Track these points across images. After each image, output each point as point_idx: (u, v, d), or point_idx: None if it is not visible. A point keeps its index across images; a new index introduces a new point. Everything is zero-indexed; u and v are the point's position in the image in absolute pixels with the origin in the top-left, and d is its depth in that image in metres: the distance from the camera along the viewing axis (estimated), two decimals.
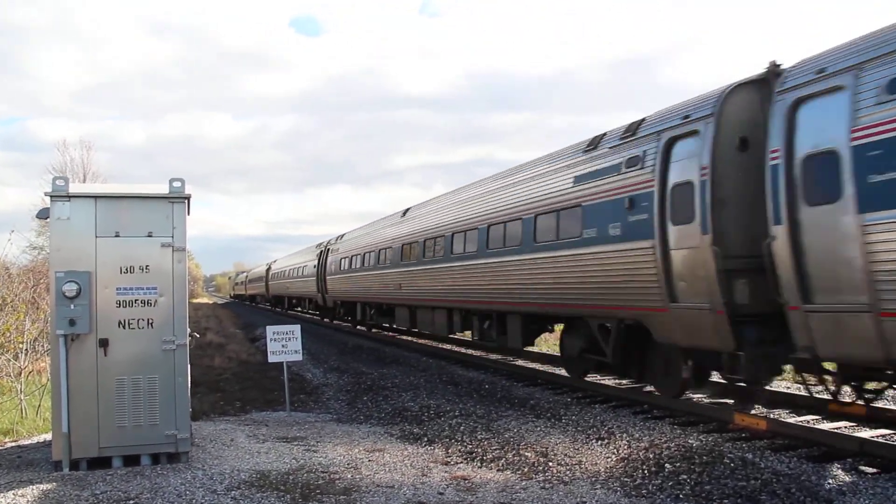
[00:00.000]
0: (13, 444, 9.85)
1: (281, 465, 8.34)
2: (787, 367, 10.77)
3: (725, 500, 6.70)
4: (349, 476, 7.91)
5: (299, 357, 13.32)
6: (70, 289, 7.99)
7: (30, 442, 9.89)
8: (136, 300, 8.32)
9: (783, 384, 12.82)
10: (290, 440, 9.95)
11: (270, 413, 12.60)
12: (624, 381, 13.37)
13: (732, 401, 11.28)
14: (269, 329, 13.29)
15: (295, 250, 58.02)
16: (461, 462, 8.75)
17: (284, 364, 13.10)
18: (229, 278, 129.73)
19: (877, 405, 9.99)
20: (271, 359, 13.06)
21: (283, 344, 12.88)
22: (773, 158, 8.66)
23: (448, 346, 22.71)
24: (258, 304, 75.16)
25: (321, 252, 38.06)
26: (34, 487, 7.31)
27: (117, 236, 8.32)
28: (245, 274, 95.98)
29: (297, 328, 13.22)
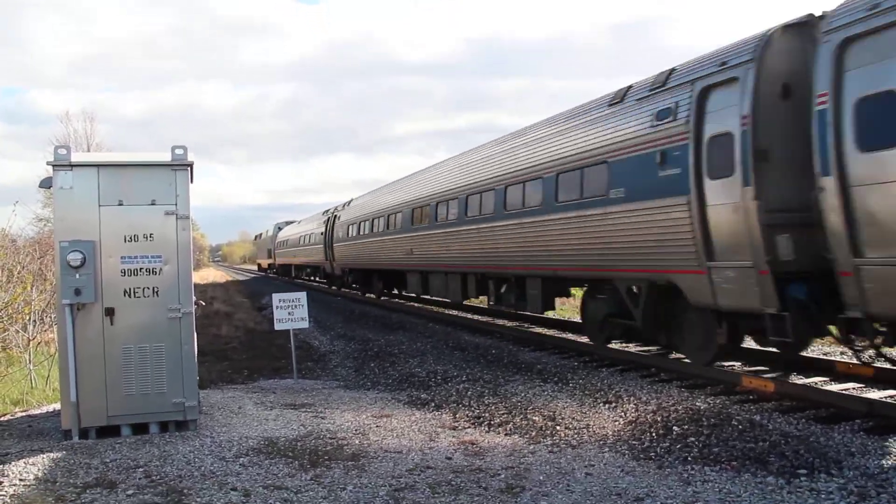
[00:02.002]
0: (23, 413, 9.90)
1: (289, 432, 8.36)
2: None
3: (734, 462, 6.69)
4: (357, 442, 7.93)
5: (306, 324, 13.33)
6: (75, 258, 7.97)
7: (39, 412, 9.93)
8: (140, 269, 8.30)
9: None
10: (297, 407, 9.97)
11: (278, 381, 12.63)
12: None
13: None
14: (276, 297, 13.29)
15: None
16: (469, 427, 8.76)
17: (291, 331, 13.10)
18: (256, 238, 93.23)
19: (884, 366, 9.97)
20: (278, 326, 13.08)
21: (290, 311, 12.88)
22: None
23: (454, 312, 22.72)
24: (314, 279, 49.26)
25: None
26: (44, 456, 7.34)
27: (121, 205, 8.28)
28: (296, 230, 53.24)
29: (303, 295, 13.20)
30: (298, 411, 9.68)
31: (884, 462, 6.55)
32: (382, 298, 30.43)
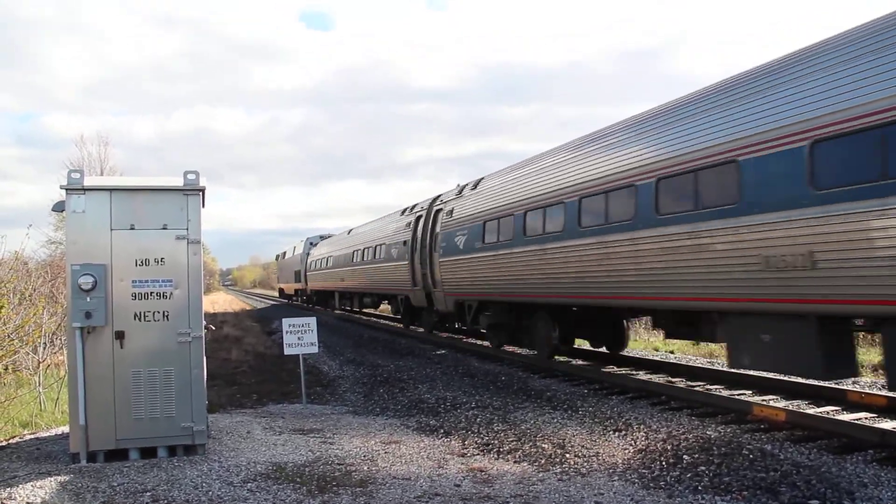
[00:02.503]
0: (32, 436, 9.90)
1: (297, 458, 8.34)
2: None
3: (745, 492, 6.63)
4: (365, 468, 7.89)
5: (315, 349, 13.31)
6: (86, 281, 8.02)
7: (48, 434, 9.94)
8: (151, 293, 8.33)
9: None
10: (306, 432, 9.95)
11: (287, 405, 12.61)
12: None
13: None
14: (286, 322, 13.30)
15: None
16: (478, 454, 8.72)
17: (301, 356, 13.10)
18: (278, 258, 74.31)
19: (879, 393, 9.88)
20: (287, 351, 13.06)
21: (299, 336, 12.87)
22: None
23: (462, 337, 22.67)
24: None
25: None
26: (52, 479, 7.33)
27: (132, 229, 8.34)
28: (344, 244, 38.93)
29: (313, 320, 13.21)
30: (307, 436, 9.65)
31: None
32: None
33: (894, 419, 9.11)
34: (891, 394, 9.65)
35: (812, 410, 9.81)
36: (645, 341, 20.80)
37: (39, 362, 13.71)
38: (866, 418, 9.29)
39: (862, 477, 6.95)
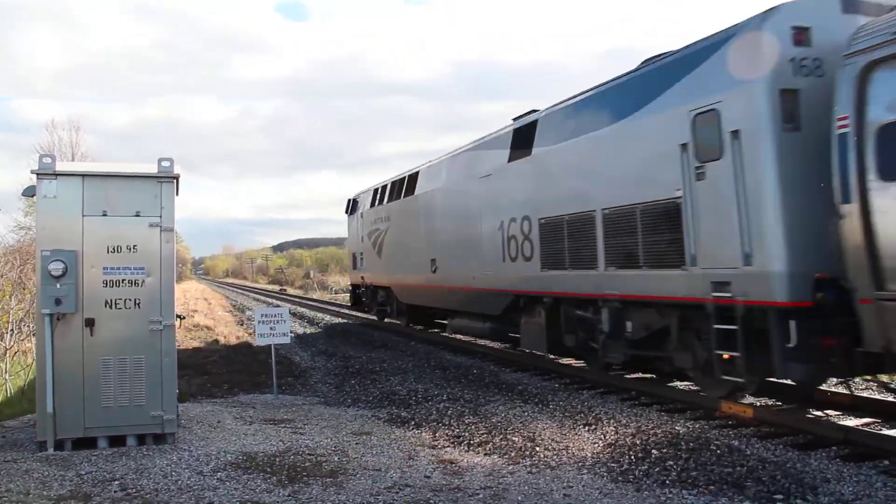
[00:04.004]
0: None
1: (268, 447, 8.33)
2: None
3: (711, 487, 6.71)
4: (336, 459, 7.90)
5: (287, 340, 13.31)
6: (56, 268, 7.94)
7: (14, 422, 9.85)
8: (123, 280, 8.28)
9: None
10: (277, 422, 9.93)
11: (258, 396, 12.58)
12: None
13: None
14: (258, 311, 13.27)
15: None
16: (448, 446, 8.75)
17: (272, 347, 13.07)
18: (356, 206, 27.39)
19: (862, 394, 10.03)
20: (259, 341, 13.05)
21: (272, 327, 12.85)
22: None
23: (435, 331, 22.69)
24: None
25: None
26: (18, 468, 7.27)
27: (105, 215, 8.27)
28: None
29: (285, 310, 13.19)
30: (278, 427, 9.64)
31: (858, 489, 6.58)
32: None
33: (859, 417, 9.25)
34: (857, 394, 9.81)
35: (779, 408, 9.94)
36: None
37: (6, 349, 13.56)
38: (831, 415, 9.43)
39: (825, 472, 7.06)
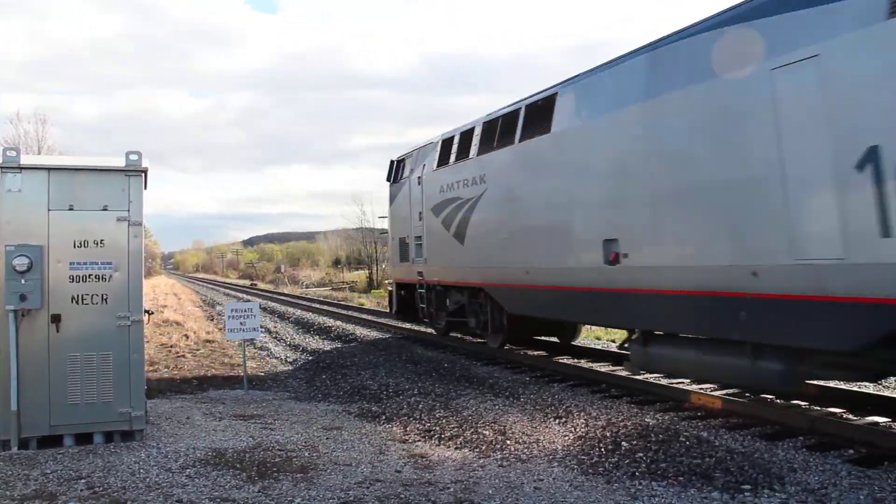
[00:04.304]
0: None
1: (237, 443, 8.27)
2: None
3: (681, 478, 6.77)
4: (306, 454, 7.87)
5: (258, 335, 13.25)
6: (21, 263, 7.83)
7: None
8: (90, 275, 8.17)
9: None
10: (247, 418, 9.87)
11: (228, 391, 12.50)
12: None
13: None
14: (228, 306, 13.17)
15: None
16: (419, 440, 8.75)
17: (243, 342, 12.99)
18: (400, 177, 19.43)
19: (828, 384, 10.16)
20: (229, 336, 12.95)
21: (242, 322, 12.75)
22: None
23: (407, 326, 22.67)
24: None
25: None
26: None
27: (71, 209, 8.16)
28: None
29: (255, 305, 13.10)
30: (248, 422, 9.58)
31: (823, 478, 6.67)
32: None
33: (825, 406, 9.37)
34: (821, 383, 9.93)
35: (747, 398, 10.05)
36: (587, 331, 21.03)
37: None
38: (799, 406, 9.54)
39: (792, 462, 7.14)
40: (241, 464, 7.36)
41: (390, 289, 20.24)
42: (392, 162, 19.45)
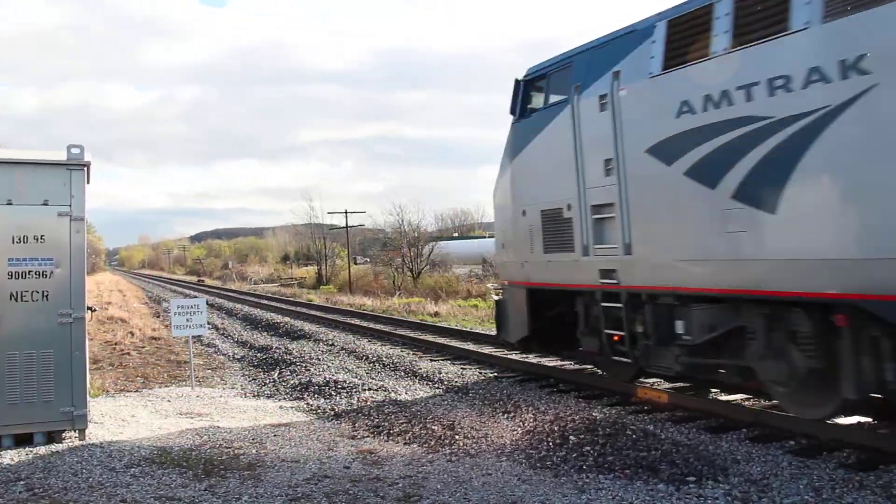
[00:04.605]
0: None
1: (183, 441, 8.16)
2: None
3: (627, 470, 6.85)
4: (254, 451, 7.79)
5: (205, 331, 13.09)
6: None
7: None
8: (29, 272, 7.98)
9: None
10: (193, 415, 9.75)
11: (174, 388, 12.31)
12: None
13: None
14: (174, 303, 13.00)
15: None
16: (368, 436, 8.72)
17: (190, 338, 12.82)
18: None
19: None
20: (175, 333, 12.78)
21: (188, 318, 12.59)
22: None
23: (356, 322, 22.60)
24: None
25: None
26: None
27: (9, 204, 7.96)
28: None
29: (202, 301, 12.94)
30: (194, 420, 9.46)
31: (766, 468, 6.81)
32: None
33: (768, 399, 9.55)
34: None
35: (693, 392, 10.20)
36: None
37: None
38: (742, 399, 9.72)
39: (735, 454, 7.28)
40: (188, 462, 7.26)
41: (498, 296, 13.24)
42: (521, 84, 11.68)
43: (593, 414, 8.89)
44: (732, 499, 6.12)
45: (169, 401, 10.97)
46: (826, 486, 6.33)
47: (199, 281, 76.55)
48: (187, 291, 48.48)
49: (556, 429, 8.28)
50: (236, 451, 7.74)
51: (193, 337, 12.92)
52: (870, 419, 8.13)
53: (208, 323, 13.60)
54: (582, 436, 7.89)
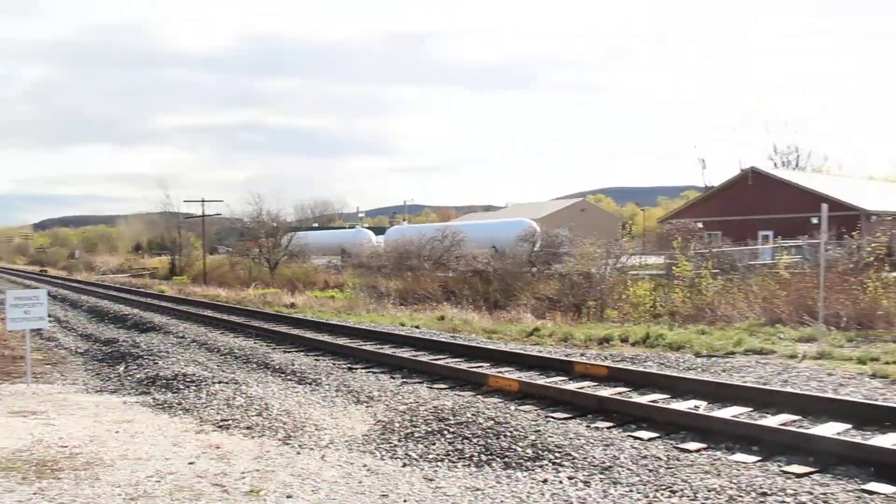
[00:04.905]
0: None
1: (14, 442, 7.67)
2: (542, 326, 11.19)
3: (475, 457, 6.95)
4: (93, 449, 7.42)
5: (45, 324, 12.38)
6: None
7: None
8: None
9: (537, 348, 13.51)
10: (27, 414, 9.20)
11: (7, 385, 11.61)
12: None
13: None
14: (10, 294, 12.23)
15: None
16: (215, 431, 8.47)
17: (27, 332, 12.11)
18: None
19: (617, 366, 10.77)
20: (10, 327, 12.03)
21: (26, 310, 11.88)
22: None
23: (209, 313, 22.00)
24: None
25: None
26: None
27: None
28: None
29: (42, 292, 12.25)
30: (28, 419, 8.93)
31: (607, 452, 7.05)
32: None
33: (613, 386, 9.93)
34: (611, 364, 10.51)
35: (542, 381, 10.47)
36: (392, 316, 21.24)
37: None
38: (588, 386, 10.05)
39: (580, 439, 7.52)
40: (17, 464, 6.83)
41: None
42: None
43: (445, 402, 8.96)
44: (577, 481, 6.32)
45: (0, 399, 10.32)
46: (662, 466, 6.61)
47: (41, 271, 72.60)
48: (28, 282, 45.93)
49: (407, 418, 8.31)
50: (73, 451, 7.35)
51: (32, 330, 12.20)
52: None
53: (49, 315, 12.86)
54: (433, 424, 7.95)
